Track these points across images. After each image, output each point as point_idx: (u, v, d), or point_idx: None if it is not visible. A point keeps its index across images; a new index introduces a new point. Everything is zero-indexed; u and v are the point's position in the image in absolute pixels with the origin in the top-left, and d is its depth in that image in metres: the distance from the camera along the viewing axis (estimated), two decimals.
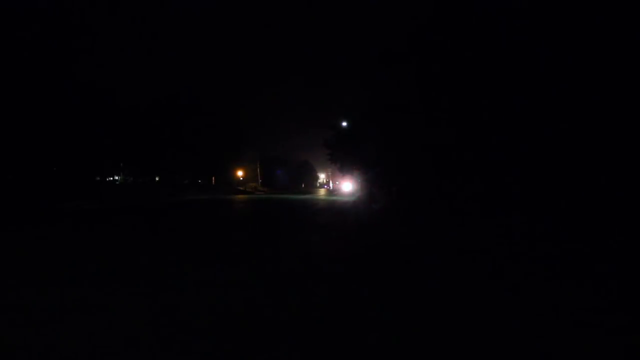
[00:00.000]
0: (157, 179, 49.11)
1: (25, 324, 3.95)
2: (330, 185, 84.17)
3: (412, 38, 11.88)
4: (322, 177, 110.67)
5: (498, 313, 4.29)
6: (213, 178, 57.44)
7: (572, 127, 7.50)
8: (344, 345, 3.50)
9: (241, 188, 57.08)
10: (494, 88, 9.00)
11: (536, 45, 8.28)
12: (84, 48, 28.51)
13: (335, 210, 21.21)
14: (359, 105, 24.60)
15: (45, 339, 3.57)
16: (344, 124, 33.27)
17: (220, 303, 4.65)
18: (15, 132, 23.59)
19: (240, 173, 63.89)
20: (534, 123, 8.11)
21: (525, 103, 8.44)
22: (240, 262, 7.11)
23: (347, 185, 46.26)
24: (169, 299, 4.81)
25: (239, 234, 11.40)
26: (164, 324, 3.96)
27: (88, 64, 29.10)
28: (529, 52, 8.39)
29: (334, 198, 36.62)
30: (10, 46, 23.48)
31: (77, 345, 3.45)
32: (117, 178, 46.11)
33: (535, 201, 8.05)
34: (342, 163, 37.34)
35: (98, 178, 38.32)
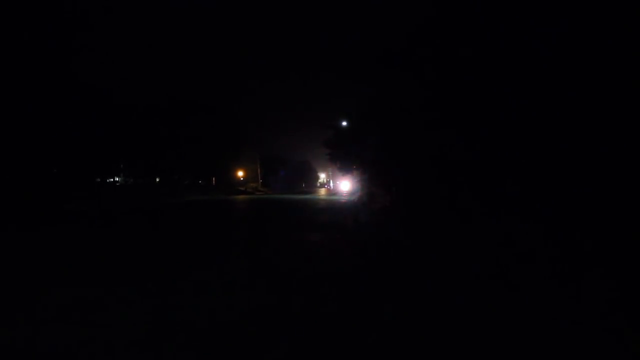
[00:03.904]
0: (157, 180, 49.08)
1: (29, 323, 3.96)
2: (331, 184, 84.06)
3: (411, 38, 11.89)
4: (322, 176, 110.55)
5: (497, 313, 4.30)
6: (213, 179, 57.42)
7: (572, 128, 7.51)
8: (346, 341, 3.51)
9: (241, 188, 57.03)
10: (493, 89, 9.00)
11: (536, 45, 8.29)
12: (83, 48, 28.46)
13: (336, 210, 21.28)
14: (358, 105, 24.59)
15: (48, 339, 3.59)
16: (344, 123, 33.22)
17: (225, 303, 4.67)
18: (14, 133, 23.57)
19: (240, 173, 63.83)
20: (533, 124, 8.11)
21: (526, 103, 8.44)
22: (244, 262, 7.15)
23: (347, 185, 46.22)
24: (171, 303, 4.82)
25: (241, 235, 11.42)
26: (166, 325, 3.98)
27: (87, 64, 29.06)
28: (529, 53, 8.40)
29: (334, 198, 36.66)
30: (9, 45, 23.45)
31: (79, 345, 3.47)
32: (117, 179, 46.07)
33: (535, 201, 8.06)
34: (342, 163, 37.28)
35: (98, 179, 38.29)
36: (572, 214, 7.22)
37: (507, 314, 4.26)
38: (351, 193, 38.54)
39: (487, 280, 5.68)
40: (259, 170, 67.86)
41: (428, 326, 3.94)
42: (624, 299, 4.69)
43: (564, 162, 7.58)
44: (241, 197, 42.39)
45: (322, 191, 68.10)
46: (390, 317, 4.20)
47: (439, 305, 4.57)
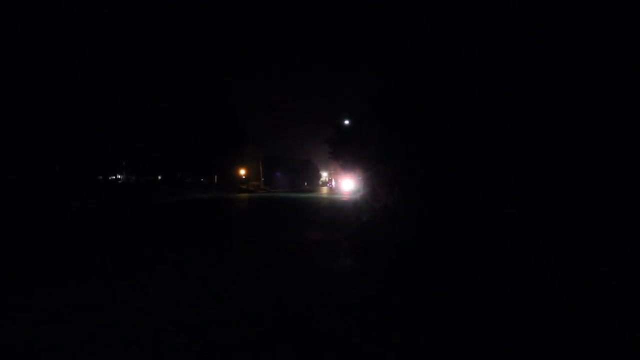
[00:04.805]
0: (159, 177, 49.19)
1: (30, 320, 3.99)
2: (333, 183, 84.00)
3: (413, 38, 11.88)
4: (324, 175, 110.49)
5: (497, 314, 4.30)
6: (215, 177, 57.48)
7: (572, 128, 7.48)
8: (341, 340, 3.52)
9: (243, 187, 57.11)
10: (495, 88, 8.98)
11: (536, 45, 8.26)
12: (84, 47, 28.55)
13: (338, 208, 21.35)
14: (360, 104, 24.59)
15: (49, 335, 3.61)
16: (346, 122, 33.20)
17: (226, 300, 4.69)
18: (16, 131, 23.66)
19: (242, 172, 63.90)
20: (533, 124, 8.09)
21: (528, 103, 8.41)
22: (245, 263, 7.17)
23: (349, 184, 46.20)
24: (170, 303, 4.83)
25: (241, 234, 11.45)
26: (164, 323, 3.99)
27: (89, 63, 29.18)
28: (529, 53, 8.37)
29: (337, 196, 36.70)
30: (11, 45, 23.54)
31: (79, 342, 3.48)
32: (119, 177, 46.20)
33: (536, 201, 8.03)
34: (344, 161, 37.26)
35: (100, 177, 38.41)
36: (572, 214, 7.20)
37: (507, 315, 4.26)
38: (353, 192, 38.55)
39: (487, 280, 5.68)
40: (261, 168, 67.91)
41: (427, 327, 3.95)
42: (625, 299, 4.68)
43: (565, 162, 7.56)
44: (243, 195, 42.46)
45: (324, 190, 68.14)
46: (390, 316, 4.21)
47: (437, 305, 4.57)
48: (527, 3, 8.39)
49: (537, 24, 8.00)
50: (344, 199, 31.98)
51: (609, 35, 7.15)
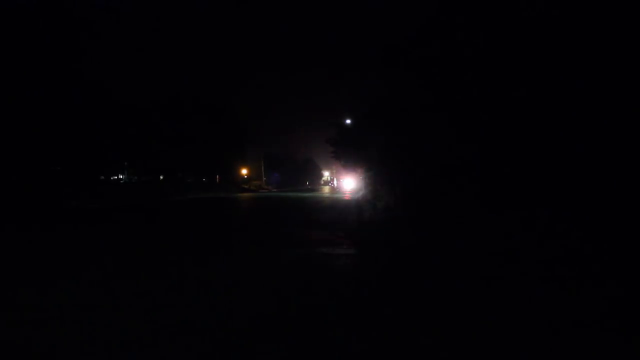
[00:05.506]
0: (161, 177, 49.30)
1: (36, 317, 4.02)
2: (335, 182, 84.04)
3: (413, 38, 11.91)
4: (326, 174, 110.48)
5: (496, 313, 4.31)
6: (217, 176, 57.57)
7: (571, 127, 7.48)
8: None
9: (245, 186, 57.20)
10: (493, 88, 8.98)
11: (537, 41, 8.25)
12: (86, 47, 28.65)
13: (340, 208, 21.38)
14: (362, 104, 24.59)
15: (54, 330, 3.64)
16: (348, 121, 33.21)
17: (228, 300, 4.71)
18: (18, 131, 23.73)
19: (244, 171, 64.01)
20: (532, 124, 8.09)
21: (526, 104, 8.40)
22: (252, 260, 7.19)
23: (350, 183, 46.18)
24: (172, 307, 4.86)
25: (242, 234, 11.47)
26: (162, 323, 4.01)
27: (90, 63, 29.25)
28: (529, 50, 8.36)
29: (338, 196, 36.73)
30: (13, 45, 23.62)
31: (80, 340, 3.51)
32: (121, 177, 46.34)
33: (534, 201, 8.04)
34: (346, 161, 37.25)
35: (102, 177, 38.54)
36: (571, 213, 7.20)
37: (506, 316, 4.26)
38: (355, 191, 38.52)
39: (486, 281, 5.68)
40: (262, 168, 68.00)
41: (421, 325, 3.95)
42: (625, 299, 4.68)
43: (563, 162, 7.56)
44: (245, 194, 42.55)
45: (326, 189, 68.18)
46: (389, 316, 4.21)
47: (433, 305, 4.58)
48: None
49: (537, 18, 7.99)
50: (346, 198, 32.02)
51: (614, 31, 7.12)
